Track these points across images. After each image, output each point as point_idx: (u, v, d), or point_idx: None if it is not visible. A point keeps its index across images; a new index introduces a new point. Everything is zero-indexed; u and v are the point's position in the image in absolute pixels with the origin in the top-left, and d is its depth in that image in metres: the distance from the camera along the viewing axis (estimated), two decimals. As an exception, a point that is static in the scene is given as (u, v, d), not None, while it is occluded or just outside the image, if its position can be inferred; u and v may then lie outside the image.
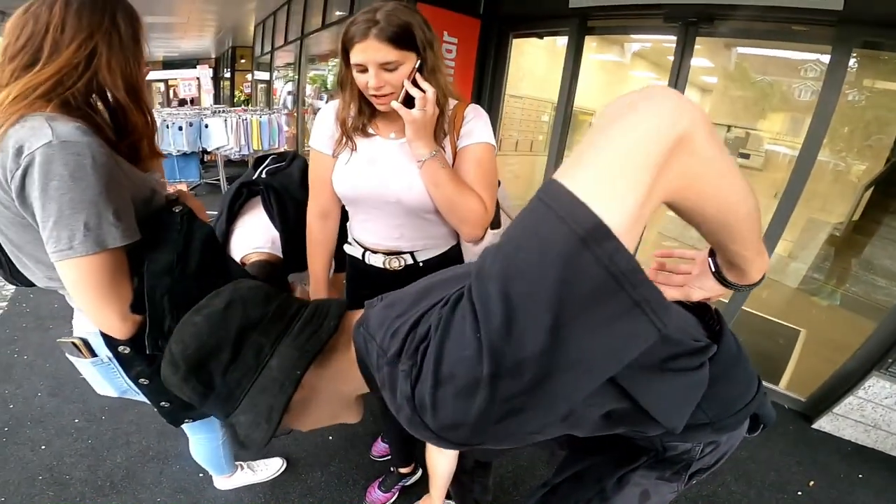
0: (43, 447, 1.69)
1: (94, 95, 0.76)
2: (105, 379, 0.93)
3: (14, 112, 0.66)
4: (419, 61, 0.90)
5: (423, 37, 0.89)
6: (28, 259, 0.78)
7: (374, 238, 1.10)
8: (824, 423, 2.09)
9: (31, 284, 0.86)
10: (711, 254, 0.59)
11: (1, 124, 0.65)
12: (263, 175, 1.27)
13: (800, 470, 1.85)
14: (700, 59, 3.86)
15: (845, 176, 3.20)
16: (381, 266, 1.10)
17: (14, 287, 2.61)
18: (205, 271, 0.85)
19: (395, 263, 1.09)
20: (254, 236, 1.19)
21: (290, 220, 1.20)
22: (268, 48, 7.41)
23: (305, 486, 1.60)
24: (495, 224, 1.10)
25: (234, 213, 1.23)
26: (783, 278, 3.60)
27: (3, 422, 1.79)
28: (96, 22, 0.70)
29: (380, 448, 1.73)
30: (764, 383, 2.35)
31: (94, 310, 0.74)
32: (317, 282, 1.17)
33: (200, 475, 1.57)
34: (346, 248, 1.18)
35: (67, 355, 0.93)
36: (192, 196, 1.03)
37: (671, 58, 2.34)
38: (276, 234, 1.20)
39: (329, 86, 5.99)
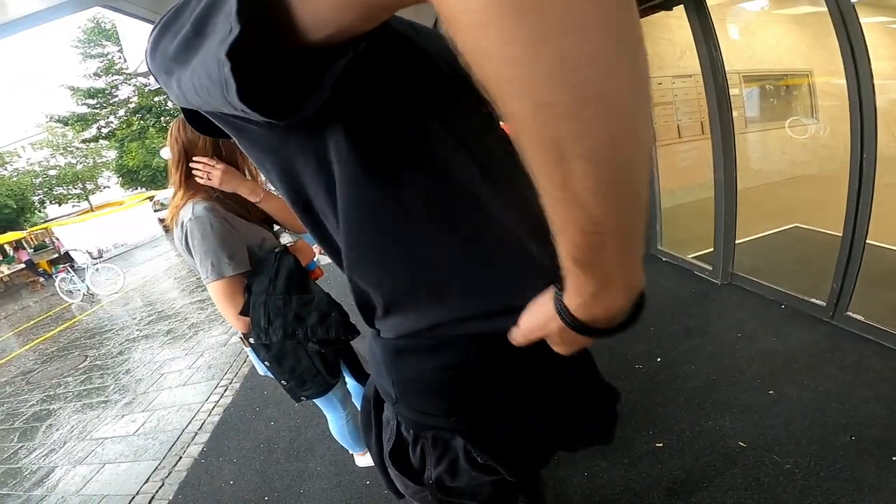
0: (272, 423, 2.54)
1: None
2: (256, 362, 1.50)
3: (184, 201, 1.27)
4: None
5: None
6: None
7: None
8: None
9: None
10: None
11: (179, 207, 1.27)
12: None
13: None
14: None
15: None
16: None
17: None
18: (288, 289, 1.33)
19: None
20: None
21: None
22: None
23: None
24: None
25: None
26: None
27: (258, 403, 2.77)
28: (203, 140, 1.25)
29: None
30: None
31: (223, 312, 1.30)
32: None
33: (350, 454, 2.08)
34: None
35: (243, 347, 1.54)
36: (304, 242, 1.56)
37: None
38: None
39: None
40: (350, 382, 1.86)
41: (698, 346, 2.43)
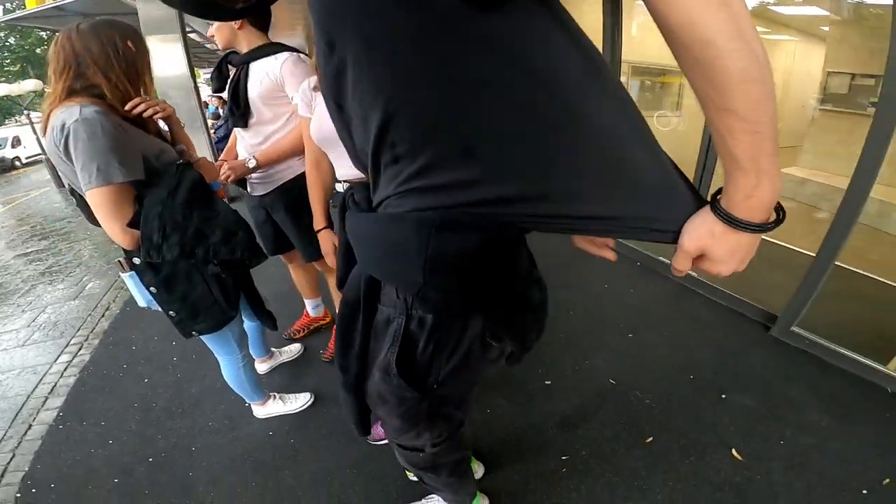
0: (146, 380, 2.25)
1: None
2: (138, 290, 1.30)
3: (61, 104, 1.07)
4: None
5: None
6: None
7: (348, 170, 1.35)
8: (938, 414, 1.68)
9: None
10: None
11: (58, 109, 1.06)
12: None
13: (878, 464, 1.53)
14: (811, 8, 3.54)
15: None
16: None
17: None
18: (190, 203, 1.17)
19: None
20: None
21: None
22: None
23: (324, 419, 1.88)
24: None
25: None
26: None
27: (124, 360, 2.43)
28: (99, 46, 1.08)
29: (379, 432, 1.76)
30: (866, 362, 1.93)
31: (105, 224, 1.11)
32: (316, 213, 1.53)
33: (246, 405, 1.95)
34: (337, 187, 1.47)
35: (119, 274, 1.33)
36: (207, 160, 1.39)
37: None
38: None
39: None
40: (246, 324, 1.73)
41: (575, 296, 2.80)
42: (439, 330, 0.67)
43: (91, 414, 2.06)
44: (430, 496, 1.46)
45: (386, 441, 1.73)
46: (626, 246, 3.30)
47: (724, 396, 1.90)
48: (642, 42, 4.60)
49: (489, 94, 0.47)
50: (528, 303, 0.72)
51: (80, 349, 2.63)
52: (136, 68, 1.17)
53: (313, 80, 1.38)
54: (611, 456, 1.65)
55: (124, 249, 1.19)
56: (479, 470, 1.58)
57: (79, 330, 2.86)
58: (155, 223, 1.11)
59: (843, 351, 2.03)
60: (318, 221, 1.53)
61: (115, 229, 1.11)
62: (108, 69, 1.10)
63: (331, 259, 1.54)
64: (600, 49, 3.05)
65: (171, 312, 1.29)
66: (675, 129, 5.97)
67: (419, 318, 0.67)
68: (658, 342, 2.30)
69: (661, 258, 3.00)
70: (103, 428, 1.96)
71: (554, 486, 1.56)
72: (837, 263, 2.01)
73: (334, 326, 2.26)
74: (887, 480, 1.47)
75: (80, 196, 1.25)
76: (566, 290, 2.85)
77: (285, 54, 1.63)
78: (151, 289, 1.23)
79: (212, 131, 6.60)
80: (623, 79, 4.50)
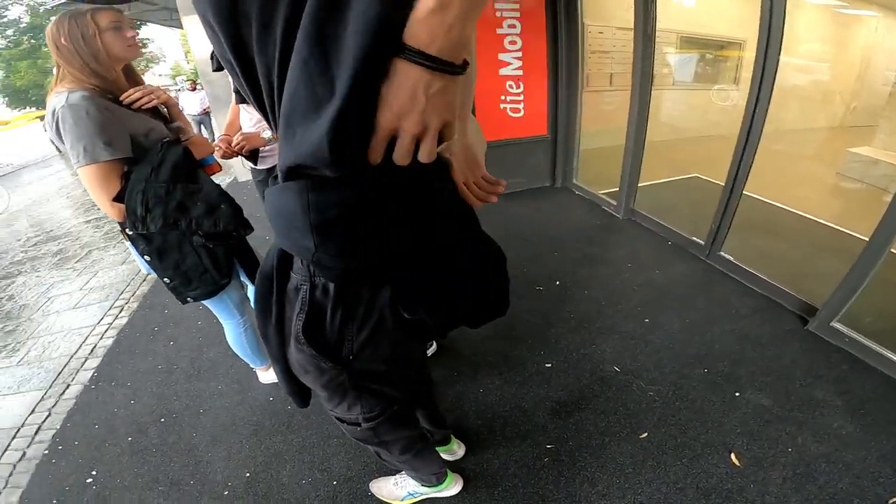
0: (171, 343, 2.44)
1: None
2: (137, 257, 1.41)
3: (54, 89, 1.19)
4: None
5: None
6: None
7: None
8: None
9: None
10: None
11: (47, 97, 1.19)
12: None
13: (890, 482, 1.42)
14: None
15: None
16: None
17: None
18: (173, 178, 1.25)
19: None
20: None
21: None
22: None
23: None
24: None
25: None
26: None
27: (157, 323, 2.65)
28: (66, 39, 1.18)
29: None
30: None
31: (94, 197, 1.22)
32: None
33: (252, 370, 2.07)
34: None
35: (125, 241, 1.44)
36: (200, 137, 1.47)
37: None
38: None
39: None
40: (250, 288, 1.82)
41: (594, 273, 2.71)
42: (345, 297, 0.68)
43: (121, 375, 2.26)
44: (401, 472, 1.49)
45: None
46: (657, 223, 3.15)
47: (737, 394, 1.80)
48: (694, 10, 4.28)
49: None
50: (457, 270, 0.68)
51: (120, 312, 2.89)
52: (107, 54, 1.23)
53: None
54: (599, 449, 1.62)
55: (118, 221, 1.30)
56: (459, 450, 1.61)
57: (122, 294, 3.14)
58: (138, 197, 1.20)
59: (886, 353, 1.85)
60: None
61: (103, 203, 1.22)
62: (74, 60, 1.19)
63: None
64: (631, 19, 2.88)
65: (165, 279, 1.39)
66: (735, 104, 5.55)
67: (322, 285, 0.67)
68: (675, 328, 2.19)
69: (695, 238, 2.82)
70: (129, 389, 2.15)
71: (533, 475, 1.55)
72: (894, 251, 1.81)
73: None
74: (894, 500, 1.36)
75: None
76: (587, 268, 2.78)
77: None
78: (146, 257, 1.34)
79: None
80: (670, 49, 4.24)
